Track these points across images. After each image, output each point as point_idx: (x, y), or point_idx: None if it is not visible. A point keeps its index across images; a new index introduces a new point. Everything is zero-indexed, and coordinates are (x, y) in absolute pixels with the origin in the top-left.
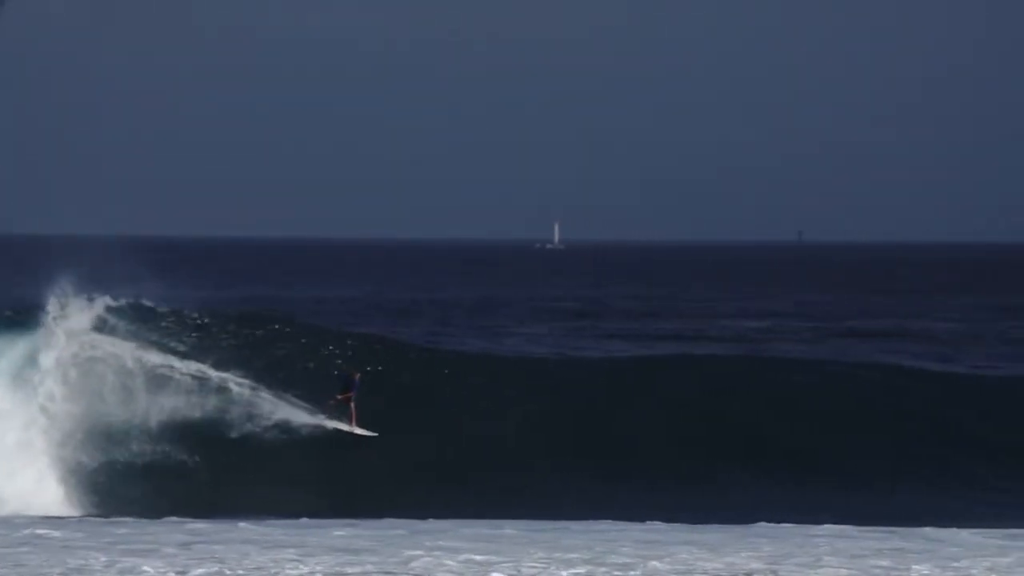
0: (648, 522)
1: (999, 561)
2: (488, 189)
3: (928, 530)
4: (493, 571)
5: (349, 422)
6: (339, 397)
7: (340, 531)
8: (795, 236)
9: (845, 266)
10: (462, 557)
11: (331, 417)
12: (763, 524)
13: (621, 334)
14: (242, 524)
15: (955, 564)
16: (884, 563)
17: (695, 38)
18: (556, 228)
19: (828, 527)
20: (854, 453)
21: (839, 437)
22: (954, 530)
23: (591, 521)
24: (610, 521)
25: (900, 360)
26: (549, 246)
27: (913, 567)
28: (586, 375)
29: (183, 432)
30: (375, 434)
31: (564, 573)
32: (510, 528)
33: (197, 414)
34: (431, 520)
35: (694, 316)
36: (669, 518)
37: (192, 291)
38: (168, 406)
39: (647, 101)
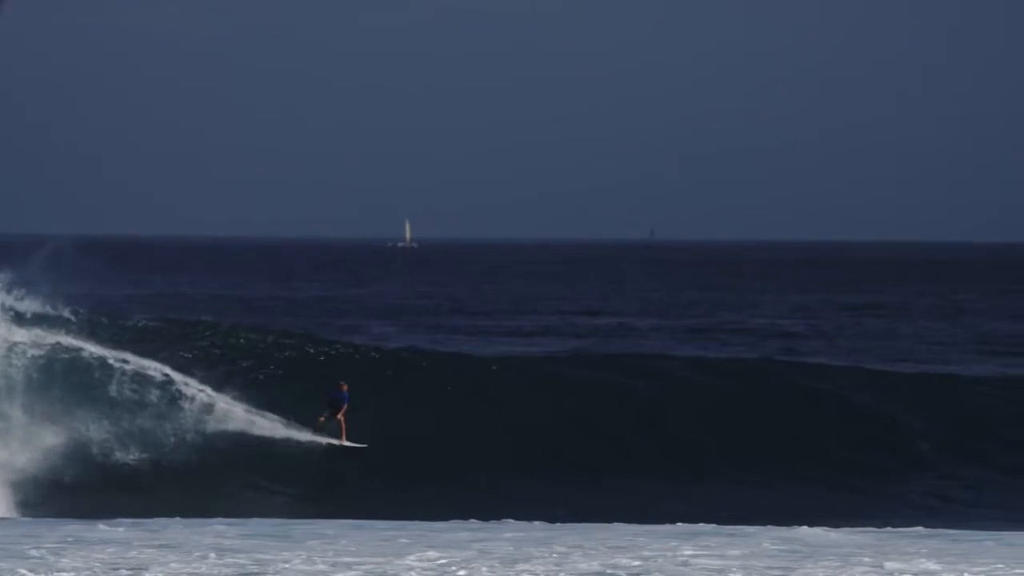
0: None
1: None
2: (346, 188)
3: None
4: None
5: (339, 435)
6: (338, 417)
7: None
8: (647, 234)
9: (691, 264)
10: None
11: (318, 432)
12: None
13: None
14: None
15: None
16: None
17: (554, 47)
18: (407, 226)
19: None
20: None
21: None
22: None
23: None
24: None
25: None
26: (401, 244)
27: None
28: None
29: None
30: (365, 445)
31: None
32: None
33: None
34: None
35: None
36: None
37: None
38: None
39: (509, 100)
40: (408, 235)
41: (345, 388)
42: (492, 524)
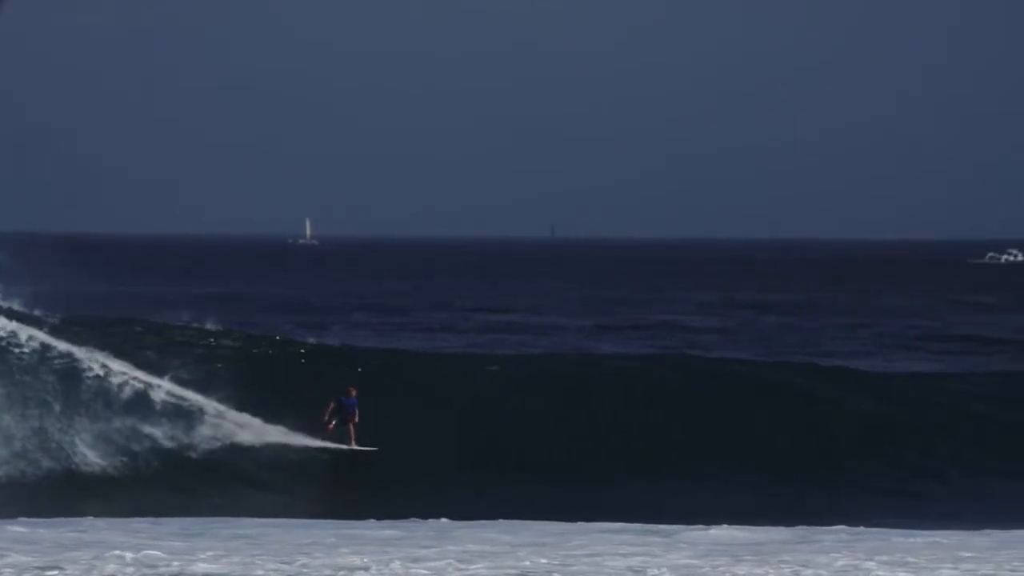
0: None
1: None
2: (246, 184)
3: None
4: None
5: (348, 440)
6: (350, 423)
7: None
8: (548, 232)
9: (593, 261)
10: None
11: (327, 439)
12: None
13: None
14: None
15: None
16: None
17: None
18: (308, 224)
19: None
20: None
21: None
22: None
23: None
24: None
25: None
26: (301, 241)
27: None
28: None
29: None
30: (375, 448)
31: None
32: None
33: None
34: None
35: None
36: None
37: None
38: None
39: (409, 98)
40: (308, 232)
41: (354, 393)
42: (410, 522)
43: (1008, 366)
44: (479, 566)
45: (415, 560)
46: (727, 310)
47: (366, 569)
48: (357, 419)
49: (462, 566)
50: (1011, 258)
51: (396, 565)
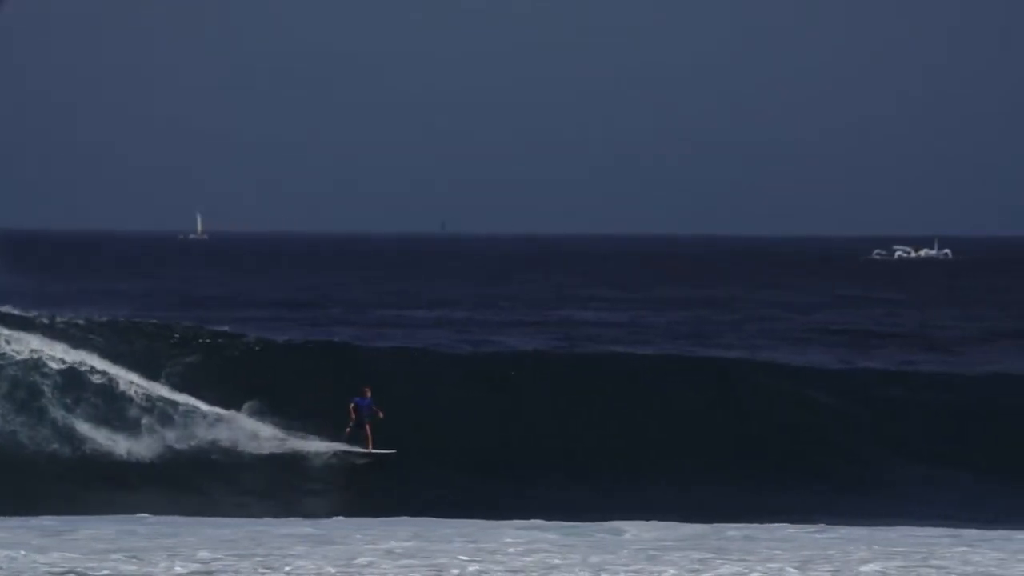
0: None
1: None
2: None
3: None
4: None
5: (364, 443)
6: (364, 422)
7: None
8: (438, 227)
9: (487, 256)
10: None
11: (347, 442)
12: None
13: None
14: None
15: None
16: None
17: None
18: (198, 218)
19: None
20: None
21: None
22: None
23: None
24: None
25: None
26: (192, 236)
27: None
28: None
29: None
30: (393, 451)
31: None
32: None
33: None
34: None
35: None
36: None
37: None
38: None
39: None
40: (200, 227)
41: (368, 393)
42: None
43: (858, 362)
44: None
45: None
46: (618, 304)
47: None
48: (380, 414)
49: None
50: (903, 255)
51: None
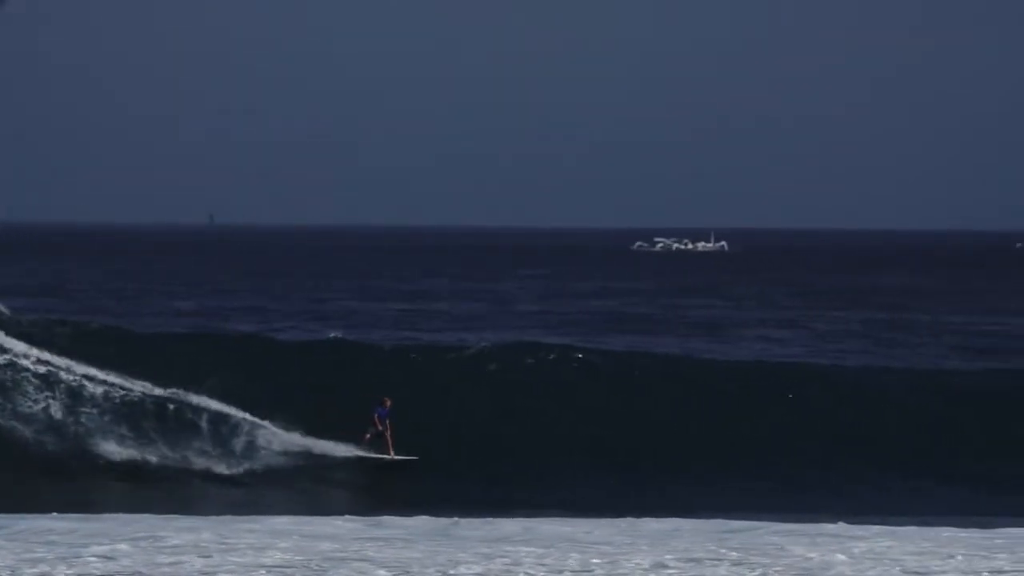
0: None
1: None
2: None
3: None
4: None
5: (386, 450)
6: (382, 431)
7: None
8: (206, 219)
9: (255, 248)
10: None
11: (367, 449)
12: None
13: None
14: None
15: None
16: None
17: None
18: None
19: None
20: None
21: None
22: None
23: None
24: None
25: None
26: None
27: None
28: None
29: None
30: (416, 458)
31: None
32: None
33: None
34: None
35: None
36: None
37: None
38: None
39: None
40: None
41: (388, 404)
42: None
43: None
44: None
45: None
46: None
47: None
48: (387, 431)
49: None
50: (662, 246)
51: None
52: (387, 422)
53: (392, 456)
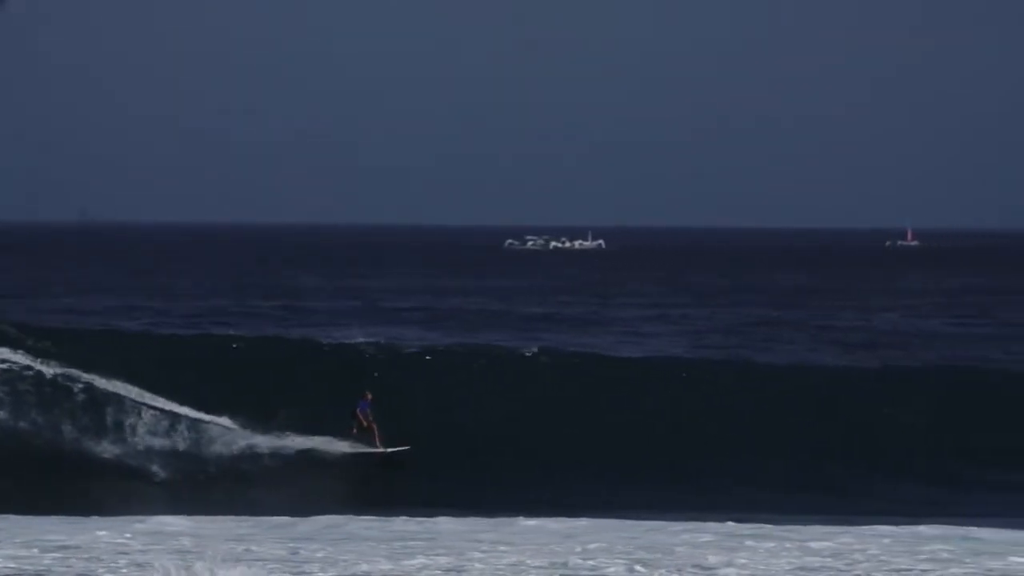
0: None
1: None
2: None
3: None
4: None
5: (373, 443)
6: (366, 424)
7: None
8: (78, 214)
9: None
10: None
11: (354, 444)
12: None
13: None
14: None
15: None
16: None
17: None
18: None
19: None
20: None
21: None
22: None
23: None
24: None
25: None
26: None
27: None
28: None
29: None
30: (407, 447)
31: None
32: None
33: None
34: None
35: None
36: None
37: None
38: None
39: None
40: None
41: (369, 397)
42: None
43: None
44: None
45: None
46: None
47: None
48: (368, 424)
49: None
50: (532, 244)
51: None
52: (370, 415)
53: (381, 449)
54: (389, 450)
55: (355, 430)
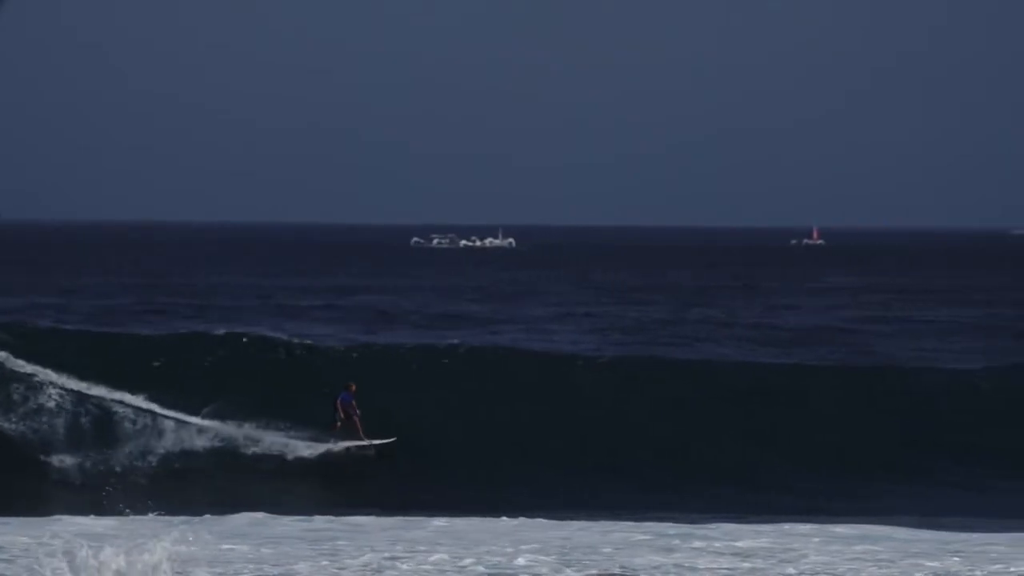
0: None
1: None
2: None
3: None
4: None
5: (358, 436)
6: (354, 417)
7: None
8: None
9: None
10: None
11: (338, 439)
12: None
13: None
14: None
15: None
16: None
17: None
18: None
19: None
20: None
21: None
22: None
23: None
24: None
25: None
26: None
27: None
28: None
29: None
30: (393, 439)
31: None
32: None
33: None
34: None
35: None
36: None
37: None
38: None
39: None
40: None
41: (353, 389)
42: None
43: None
44: None
45: None
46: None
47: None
48: (355, 416)
49: None
50: (440, 243)
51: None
52: (354, 407)
53: (366, 441)
54: (376, 442)
55: (339, 424)
